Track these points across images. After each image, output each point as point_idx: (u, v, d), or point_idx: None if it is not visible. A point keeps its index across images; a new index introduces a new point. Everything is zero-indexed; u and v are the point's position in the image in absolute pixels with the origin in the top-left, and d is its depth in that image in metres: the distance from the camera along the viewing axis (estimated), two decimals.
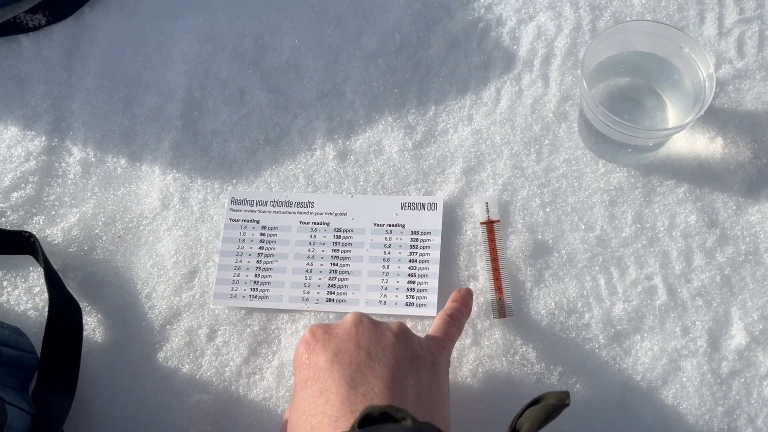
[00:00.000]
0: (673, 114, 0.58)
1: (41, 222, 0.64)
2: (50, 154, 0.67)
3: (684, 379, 0.54)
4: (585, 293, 0.57)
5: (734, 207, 0.58)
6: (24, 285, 0.63)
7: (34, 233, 0.63)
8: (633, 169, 0.60)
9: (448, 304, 0.53)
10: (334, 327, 0.47)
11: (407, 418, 0.35)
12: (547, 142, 0.62)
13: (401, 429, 0.34)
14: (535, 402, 0.41)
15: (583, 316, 0.57)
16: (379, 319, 0.49)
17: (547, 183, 0.61)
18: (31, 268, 0.63)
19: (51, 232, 0.64)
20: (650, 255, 0.58)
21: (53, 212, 0.65)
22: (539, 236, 0.59)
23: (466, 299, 0.54)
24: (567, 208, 0.60)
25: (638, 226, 0.59)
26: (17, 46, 0.70)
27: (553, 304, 0.57)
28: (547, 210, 0.60)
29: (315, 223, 0.61)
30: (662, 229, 0.58)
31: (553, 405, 0.41)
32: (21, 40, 0.70)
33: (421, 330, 0.58)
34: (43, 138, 0.67)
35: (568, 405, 0.41)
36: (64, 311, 0.59)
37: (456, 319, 0.51)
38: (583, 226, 0.59)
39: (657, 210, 0.59)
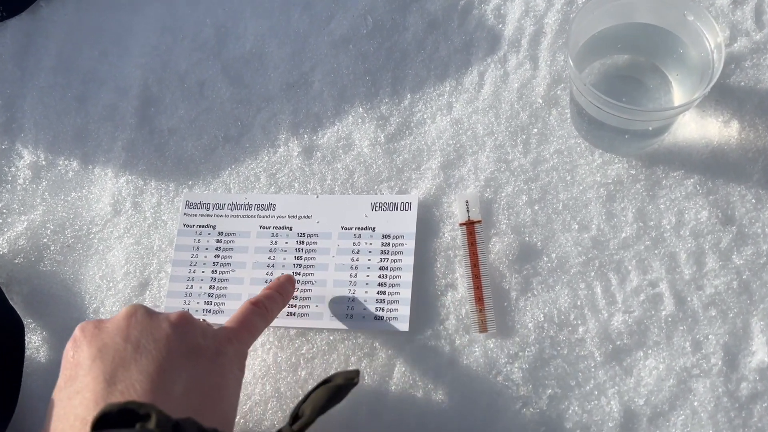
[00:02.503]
0: (678, 93, 0.50)
1: None
2: (0, 158, 0.62)
3: (696, 404, 0.46)
4: (579, 303, 0.50)
5: (753, 200, 0.50)
6: None
7: None
8: (634, 159, 0.52)
9: (260, 292, 0.48)
10: (106, 321, 0.42)
11: (152, 413, 0.32)
12: (535, 131, 0.55)
13: None
14: (322, 384, 0.40)
15: (576, 329, 0.49)
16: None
17: (535, 177, 0.53)
18: None
19: None
20: (655, 258, 0.50)
21: (0, 221, 0.60)
22: (526, 238, 0.52)
23: (283, 285, 0.49)
24: (558, 206, 0.52)
25: (640, 225, 0.51)
26: None
27: (542, 316, 0.50)
28: (536, 208, 0.52)
29: (276, 228, 0.55)
30: (668, 227, 0.50)
31: (338, 385, 0.40)
32: None
33: (392, 347, 0.51)
34: None
35: (356, 383, 0.40)
36: (4, 328, 0.54)
37: (261, 307, 0.46)
38: (576, 226, 0.51)
39: (662, 206, 0.51)
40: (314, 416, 0.40)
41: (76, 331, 0.42)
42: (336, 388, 0.40)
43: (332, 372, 0.51)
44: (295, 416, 0.40)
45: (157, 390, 0.38)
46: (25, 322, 0.55)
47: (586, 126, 0.52)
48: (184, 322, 0.42)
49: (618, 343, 0.48)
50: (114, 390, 0.38)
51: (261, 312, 0.46)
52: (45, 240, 0.59)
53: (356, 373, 0.40)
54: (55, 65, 0.64)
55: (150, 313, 0.42)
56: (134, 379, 0.38)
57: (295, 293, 0.53)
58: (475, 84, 0.57)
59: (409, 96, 0.58)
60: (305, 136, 0.58)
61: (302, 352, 0.52)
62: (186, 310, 0.53)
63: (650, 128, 0.48)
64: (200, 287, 0.54)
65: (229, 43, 0.62)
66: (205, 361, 0.41)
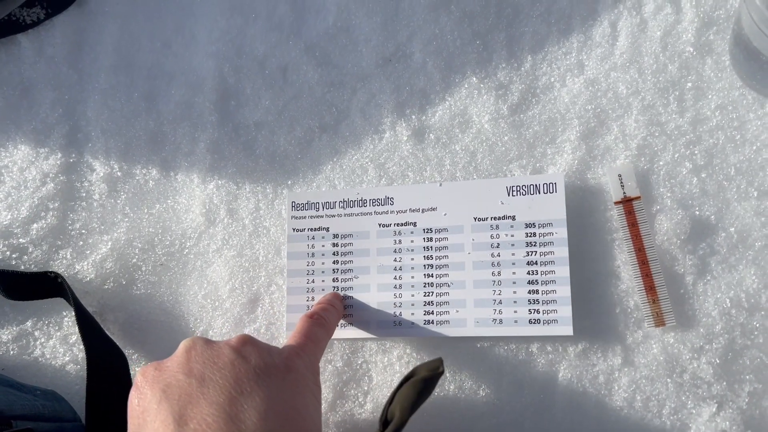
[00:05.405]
0: None
1: (69, 256, 0.54)
2: (69, 173, 0.56)
3: None
4: None
5: None
6: (59, 334, 0.53)
7: (62, 270, 0.53)
8: None
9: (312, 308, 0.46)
10: (166, 361, 0.40)
11: None
12: (689, 85, 0.47)
13: None
14: (406, 380, 0.38)
15: None
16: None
17: (697, 140, 0.46)
18: (64, 313, 0.53)
19: (81, 267, 0.53)
20: None
21: (81, 242, 0.54)
22: (696, 212, 0.45)
23: (331, 300, 0.47)
24: (729, 171, 0.45)
25: None
26: (16, 49, 0.59)
27: (727, 301, 0.43)
28: (703, 176, 0.45)
29: (398, 225, 0.49)
30: None
31: (424, 378, 0.37)
32: (20, 40, 0.59)
33: (551, 351, 0.45)
34: (59, 155, 0.56)
35: (442, 372, 0.37)
36: (105, 362, 0.49)
37: (319, 318, 0.44)
38: (755, 193, 0.44)
39: None
40: (406, 416, 0.37)
41: (137, 377, 0.40)
42: (422, 382, 0.37)
43: (485, 387, 0.45)
44: (385, 421, 0.37)
45: (231, 420, 0.35)
46: (126, 353, 0.50)
47: (759, 73, 0.44)
48: (247, 343, 0.40)
49: None
50: (186, 430, 0.35)
51: (320, 322, 0.44)
52: (134, 260, 0.53)
53: (440, 361, 0.38)
54: (115, 63, 0.58)
55: (209, 343, 0.40)
56: (205, 413, 0.36)
57: (430, 298, 0.47)
58: (607, 36, 0.49)
59: (529, 58, 0.50)
60: (413, 116, 0.51)
61: (447, 363, 0.46)
62: None
63: None
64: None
65: (309, 17, 0.55)
66: (276, 381, 0.38)
